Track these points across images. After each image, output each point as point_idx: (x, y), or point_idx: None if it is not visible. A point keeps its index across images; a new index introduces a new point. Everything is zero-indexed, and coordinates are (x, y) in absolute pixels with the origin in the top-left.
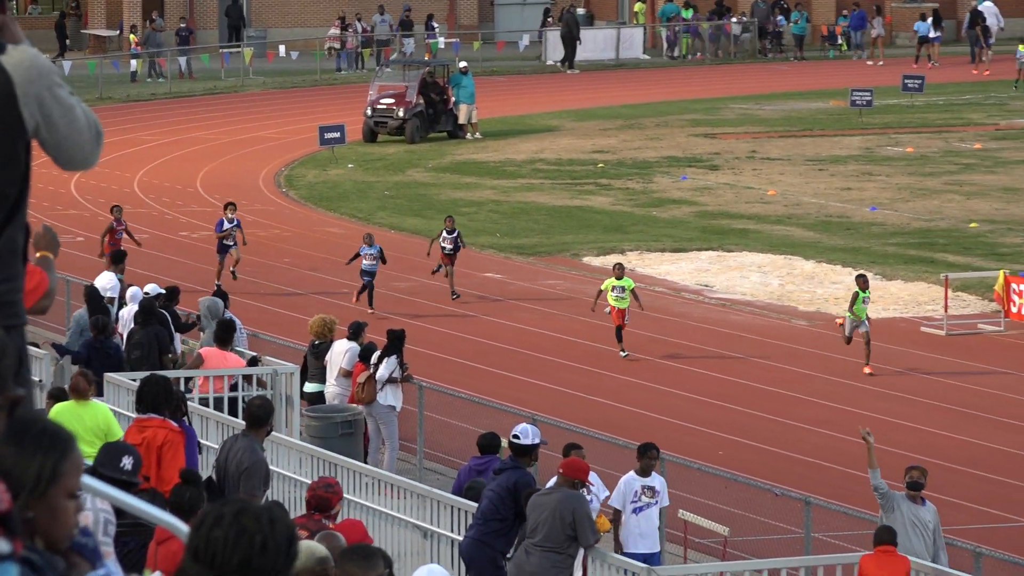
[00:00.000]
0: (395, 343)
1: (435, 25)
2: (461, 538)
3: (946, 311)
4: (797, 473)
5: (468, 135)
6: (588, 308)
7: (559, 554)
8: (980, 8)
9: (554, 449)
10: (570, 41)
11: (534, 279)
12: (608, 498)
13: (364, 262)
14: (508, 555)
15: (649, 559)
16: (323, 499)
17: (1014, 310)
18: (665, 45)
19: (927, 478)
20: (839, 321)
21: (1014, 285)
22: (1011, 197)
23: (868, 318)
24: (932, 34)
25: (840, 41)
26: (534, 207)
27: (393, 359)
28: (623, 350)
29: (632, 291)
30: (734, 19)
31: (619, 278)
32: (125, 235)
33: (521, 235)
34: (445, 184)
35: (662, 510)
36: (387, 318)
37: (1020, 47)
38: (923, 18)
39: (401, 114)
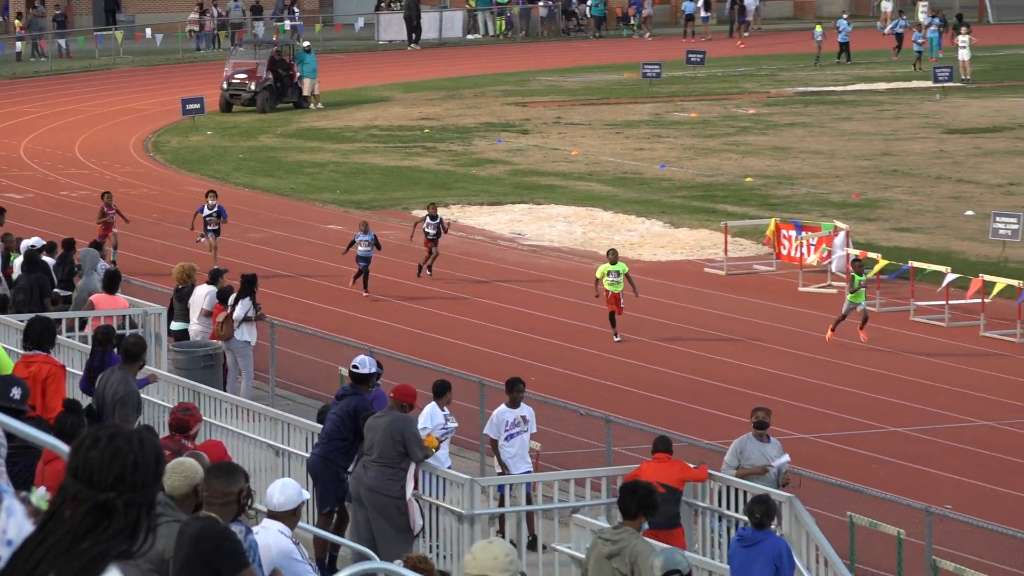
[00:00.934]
0: (247, 286)
1: (296, 10)
2: (308, 455)
3: (726, 254)
4: (599, 396)
5: (311, 105)
6: (417, 265)
7: (393, 468)
8: None
9: (390, 378)
10: (412, 22)
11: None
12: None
13: (360, 248)
14: (349, 469)
15: None
16: (181, 421)
17: (784, 252)
18: (502, 25)
19: (770, 417)
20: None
21: (783, 231)
22: (780, 155)
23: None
24: (702, 13)
25: (633, 21)
26: (369, 167)
27: (247, 300)
28: (616, 334)
29: (626, 275)
30: (541, 3)
31: (613, 263)
32: (117, 217)
33: (358, 192)
34: (292, 148)
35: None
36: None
37: (817, 27)
38: None
39: (253, 87)
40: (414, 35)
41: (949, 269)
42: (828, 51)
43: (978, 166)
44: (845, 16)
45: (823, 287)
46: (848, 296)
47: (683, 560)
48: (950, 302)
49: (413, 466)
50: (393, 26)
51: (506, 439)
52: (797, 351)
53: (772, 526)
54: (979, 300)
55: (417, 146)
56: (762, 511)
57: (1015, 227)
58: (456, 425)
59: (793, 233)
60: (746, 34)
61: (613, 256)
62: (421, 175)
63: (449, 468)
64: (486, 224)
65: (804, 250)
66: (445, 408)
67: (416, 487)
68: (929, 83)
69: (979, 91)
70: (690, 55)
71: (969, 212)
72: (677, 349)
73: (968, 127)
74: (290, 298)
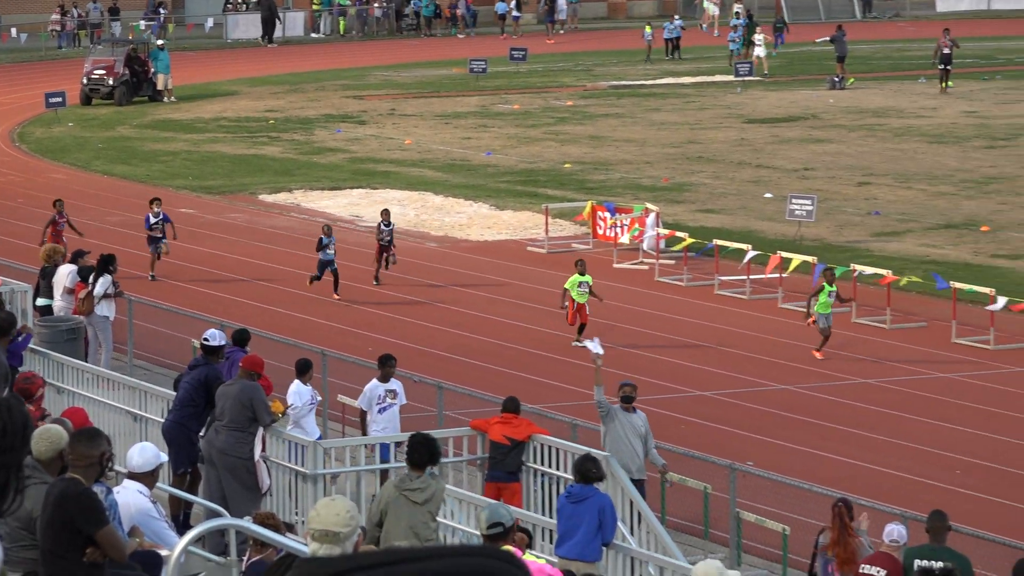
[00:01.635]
0: (103, 265)
1: (163, 11)
2: (164, 421)
3: (547, 234)
4: (432, 364)
5: (165, 99)
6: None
7: (242, 432)
8: None
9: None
10: (270, 21)
11: (220, 213)
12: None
13: (324, 252)
14: (201, 433)
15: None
16: (24, 389)
17: (600, 232)
18: (342, 25)
19: (636, 392)
20: (810, 321)
21: (599, 212)
22: (596, 143)
23: (833, 307)
24: (515, 13)
25: (461, 22)
26: (219, 156)
27: (107, 277)
28: (579, 340)
29: (590, 286)
30: (376, 4)
31: (582, 274)
32: (67, 226)
33: (209, 178)
34: (147, 138)
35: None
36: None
37: (647, 28)
38: None
39: (111, 82)
40: (267, 36)
41: (750, 247)
42: (657, 47)
43: (775, 152)
44: (677, 16)
45: (635, 263)
46: (816, 309)
47: (507, 514)
48: (751, 277)
49: (261, 430)
50: (240, 26)
51: (379, 411)
52: (612, 322)
53: (598, 484)
54: (777, 275)
55: (263, 136)
56: (591, 469)
57: (809, 208)
58: (321, 399)
59: (608, 214)
60: (561, 31)
61: (582, 267)
62: (267, 163)
63: (320, 438)
64: (326, 207)
65: (618, 230)
66: (308, 384)
67: (264, 449)
68: (731, 77)
69: (776, 84)
70: (513, 52)
71: (768, 195)
72: (506, 322)
73: (766, 117)
74: (140, 274)
